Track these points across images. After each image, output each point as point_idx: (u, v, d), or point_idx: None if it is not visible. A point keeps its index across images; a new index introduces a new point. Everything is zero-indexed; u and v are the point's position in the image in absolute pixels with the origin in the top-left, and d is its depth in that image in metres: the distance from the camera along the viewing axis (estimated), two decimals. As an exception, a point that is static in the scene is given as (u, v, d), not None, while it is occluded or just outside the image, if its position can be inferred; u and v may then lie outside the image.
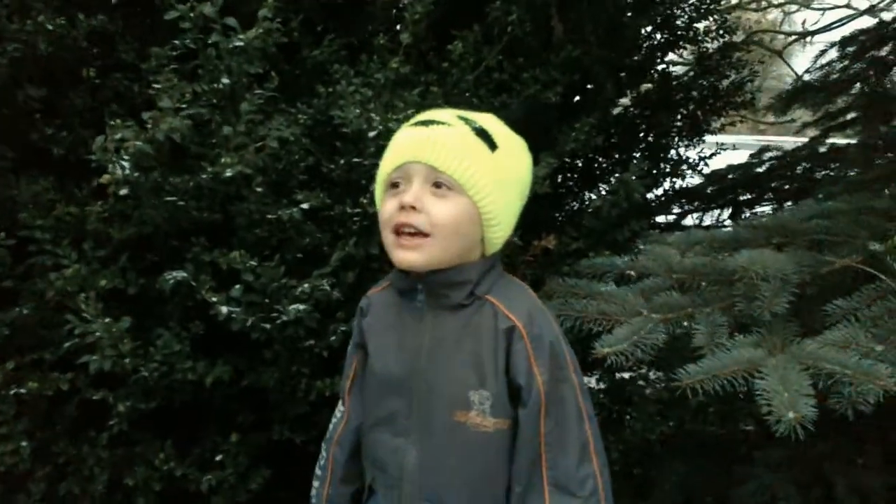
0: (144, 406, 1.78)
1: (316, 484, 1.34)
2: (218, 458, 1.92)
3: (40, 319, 1.73)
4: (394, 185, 1.16)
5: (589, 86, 2.59)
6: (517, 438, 1.15)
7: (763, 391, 1.23)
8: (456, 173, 1.11)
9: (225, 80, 1.72)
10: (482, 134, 1.15)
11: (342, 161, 1.91)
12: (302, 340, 1.80)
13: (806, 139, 3.90)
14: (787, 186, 3.40)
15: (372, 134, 1.75)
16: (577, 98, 2.59)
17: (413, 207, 1.11)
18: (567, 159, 2.48)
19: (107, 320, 1.56)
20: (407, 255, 1.13)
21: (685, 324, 1.52)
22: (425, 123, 1.16)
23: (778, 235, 1.74)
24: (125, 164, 1.47)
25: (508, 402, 1.15)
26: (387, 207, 1.15)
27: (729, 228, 1.80)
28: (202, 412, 2.05)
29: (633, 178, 2.00)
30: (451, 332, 1.17)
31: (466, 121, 1.16)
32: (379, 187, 1.21)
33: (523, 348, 1.14)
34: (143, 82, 1.90)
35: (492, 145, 1.15)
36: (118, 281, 1.72)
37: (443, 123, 1.15)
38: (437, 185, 1.12)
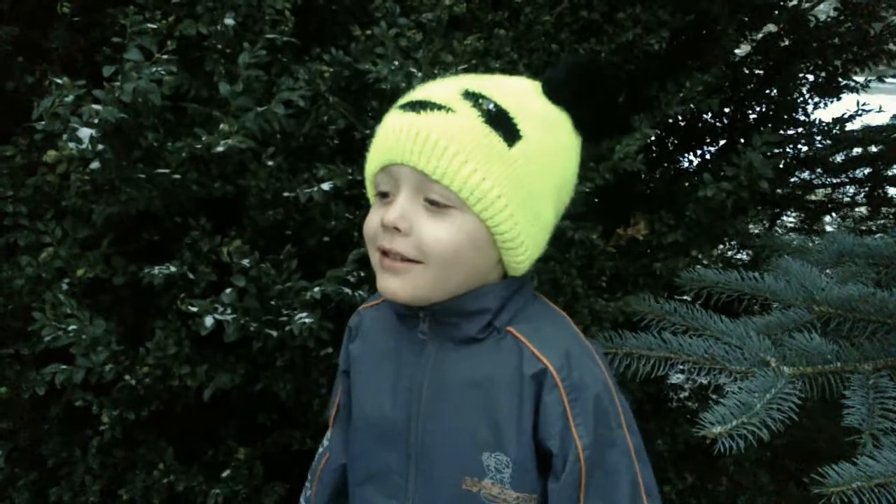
0: (134, 416, 1.50)
1: None
2: (225, 473, 1.65)
3: (12, 309, 1.45)
4: (382, 193, 0.90)
5: (703, 31, 2.04)
6: None
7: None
8: (454, 183, 0.83)
9: (228, 21, 1.33)
10: (497, 120, 0.85)
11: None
12: (317, 350, 1.47)
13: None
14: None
15: (413, 95, 1.33)
16: (686, 45, 2.05)
17: (397, 229, 0.85)
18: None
19: (72, 328, 1.26)
20: (387, 283, 0.89)
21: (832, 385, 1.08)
22: (415, 107, 0.86)
23: (971, 255, 1.25)
24: (84, 134, 1.12)
25: (537, 472, 0.90)
26: (369, 221, 0.91)
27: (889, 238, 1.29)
28: (213, 410, 1.77)
29: (761, 157, 1.50)
30: (459, 374, 0.92)
31: (476, 100, 0.86)
32: (368, 185, 0.95)
33: (557, 401, 0.88)
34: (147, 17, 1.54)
35: (510, 135, 0.85)
36: (100, 269, 1.41)
37: (440, 107, 0.85)
38: (431, 198, 0.85)
